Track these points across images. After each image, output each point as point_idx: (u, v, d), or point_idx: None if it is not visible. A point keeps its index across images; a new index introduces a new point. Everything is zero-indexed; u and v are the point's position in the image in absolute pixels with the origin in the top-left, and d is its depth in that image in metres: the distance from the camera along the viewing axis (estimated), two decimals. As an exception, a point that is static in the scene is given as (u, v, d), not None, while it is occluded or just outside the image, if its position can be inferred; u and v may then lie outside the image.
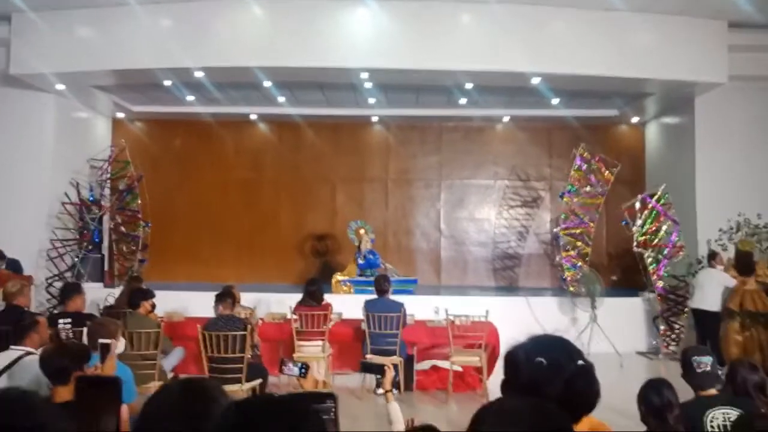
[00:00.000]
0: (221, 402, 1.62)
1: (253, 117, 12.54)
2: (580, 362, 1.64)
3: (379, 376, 6.82)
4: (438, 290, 11.31)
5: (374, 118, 12.55)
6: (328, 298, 7.25)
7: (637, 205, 9.25)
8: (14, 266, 9.25)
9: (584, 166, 9.75)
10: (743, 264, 8.03)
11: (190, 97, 11.08)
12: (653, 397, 2.88)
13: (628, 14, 8.71)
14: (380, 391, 6.28)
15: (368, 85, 9.98)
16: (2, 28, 9.13)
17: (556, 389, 1.57)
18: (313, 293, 6.90)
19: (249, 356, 5.51)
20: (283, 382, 6.96)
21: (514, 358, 1.68)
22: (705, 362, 3.11)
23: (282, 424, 1.01)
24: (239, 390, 5.31)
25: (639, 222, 9.16)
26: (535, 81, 9.31)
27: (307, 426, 1.05)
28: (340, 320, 7.39)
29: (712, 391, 3.11)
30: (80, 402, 2.09)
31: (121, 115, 12.30)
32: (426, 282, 11.69)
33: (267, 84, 10.06)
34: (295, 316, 6.78)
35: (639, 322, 9.45)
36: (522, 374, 1.64)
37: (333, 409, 1.77)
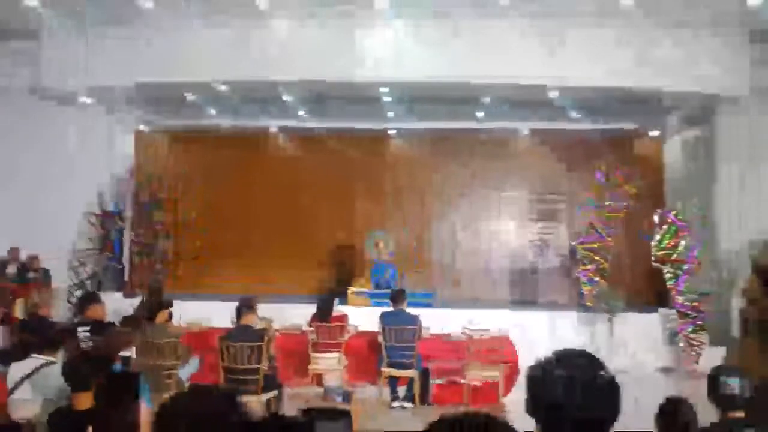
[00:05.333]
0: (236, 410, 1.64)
1: (273, 130, 12.68)
2: (602, 373, 1.65)
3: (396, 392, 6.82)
4: (456, 304, 11.24)
5: (392, 132, 12.63)
6: (344, 309, 7.28)
7: (656, 219, 9.16)
8: (45, 276, 9.53)
9: (603, 180, 9.70)
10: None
11: (211, 110, 11.26)
12: (672, 416, 2.82)
13: (648, 27, 8.70)
14: (396, 404, 6.27)
15: (387, 99, 10.08)
16: (31, 43, 9.42)
17: (579, 403, 1.59)
18: (322, 312, 7.05)
19: (265, 368, 5.55)
20: (300, 393, 6.99)
21: (536, 375, 1.68)
22: (732, 384, 2.94)
23: None
24: (256, 401, 5.35)
25: (657, 237, 9.07)
26: (553, 94, 9.32)
27: None
28: (357, 332, 7.40)
29: (739, 414, 2.93)
30: (99, 398, 2.15)
31: (143, 127, 12.50)
32: (444, 295, 11.65)
33: (287, 98, 10.20)
34: (311, 328, 6.83)
35: (658, 338, 9.31)
36: (546, 391, 1.64)
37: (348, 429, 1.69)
